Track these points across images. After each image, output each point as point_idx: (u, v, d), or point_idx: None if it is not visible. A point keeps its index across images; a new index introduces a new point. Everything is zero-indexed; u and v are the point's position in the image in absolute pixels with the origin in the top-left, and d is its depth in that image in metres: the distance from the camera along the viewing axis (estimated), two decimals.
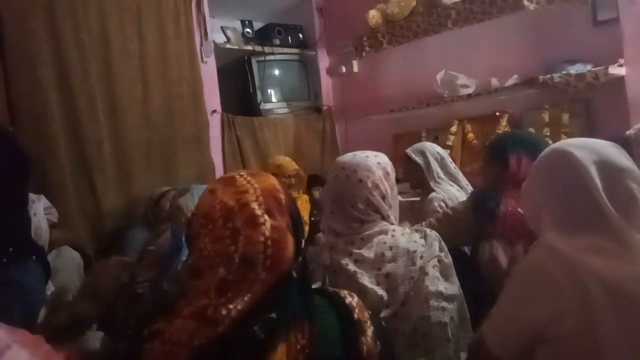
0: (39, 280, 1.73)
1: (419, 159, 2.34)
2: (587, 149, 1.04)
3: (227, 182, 0.92)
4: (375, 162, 1.36)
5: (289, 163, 3.15)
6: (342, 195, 1.32)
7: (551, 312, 0.98)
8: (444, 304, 1.20)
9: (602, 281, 0.93)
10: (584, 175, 1.01)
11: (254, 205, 0.87)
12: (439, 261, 1.25)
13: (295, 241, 0.90)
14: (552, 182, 1.09)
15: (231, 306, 0.79)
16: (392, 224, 1.35)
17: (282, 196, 0.92)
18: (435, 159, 2.34)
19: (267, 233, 0.84)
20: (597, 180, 1.00)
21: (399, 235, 1.29)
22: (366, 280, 1.22)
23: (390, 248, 1.26)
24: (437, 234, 1.32)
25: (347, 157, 1.39)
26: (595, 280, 0.93)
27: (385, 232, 1.30)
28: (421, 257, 1.24)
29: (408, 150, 2.41)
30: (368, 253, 1.26)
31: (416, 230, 1.33)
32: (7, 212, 1.69)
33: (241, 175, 0.93)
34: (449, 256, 1.28)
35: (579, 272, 0.95)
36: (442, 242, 1.30)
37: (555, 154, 1.11)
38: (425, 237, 1.29)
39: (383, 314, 1.17)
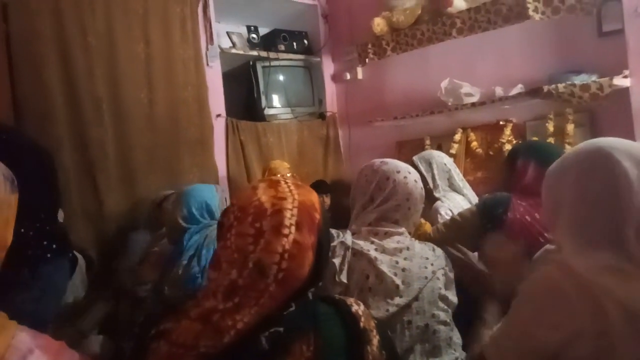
0: (66, 279, 1.84)
1: (423, 168, 2.30)
2: (635, 160, 0.91)
3: (271, 184, 0.92)
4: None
5: (280, 165, 3.16)
6: (409, 197, 1.42)
7: (566, 335, 0.91)
8: (446, 308, 1.34)
9: (621, 304, 0.87)
10: (625, 189, 0.89)
11: (287, 214, 0.86)
12: (444, 274, 1.38)
13: (315, 264, 0.87)
14: (585, 184, 0.95)
15: (237, 317, 0.78)
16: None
17: (317, 216, 0.90)
18: (443, 170, 2.30)
19: (287, 246, 0.83)
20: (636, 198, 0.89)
21: (414, 242, 1.42)
22: (385, 267, 1.32)
23: (407, 248, 1.37)
24: (442, 251, 1.43)
25: (405, 165, 1.49)
26: (613, 302, 0.87)
27: (405, 236, 1.42)
28: (432, 264, 1.36)
29: (415, 158, 2.37)
30: (388, 244, 1.37)
31: (426, 244, 1.45)
32: (49, 210, 1.76)
33: (286, 183, 0.93)
34: (452, 271, 1.41)
35: (596, 294, 0.89)
36: (448, 259, 1.42)
37: (598, 155, 0.95)
38: (434, 249, 1.42)
39: (396, 300, 1.28)
